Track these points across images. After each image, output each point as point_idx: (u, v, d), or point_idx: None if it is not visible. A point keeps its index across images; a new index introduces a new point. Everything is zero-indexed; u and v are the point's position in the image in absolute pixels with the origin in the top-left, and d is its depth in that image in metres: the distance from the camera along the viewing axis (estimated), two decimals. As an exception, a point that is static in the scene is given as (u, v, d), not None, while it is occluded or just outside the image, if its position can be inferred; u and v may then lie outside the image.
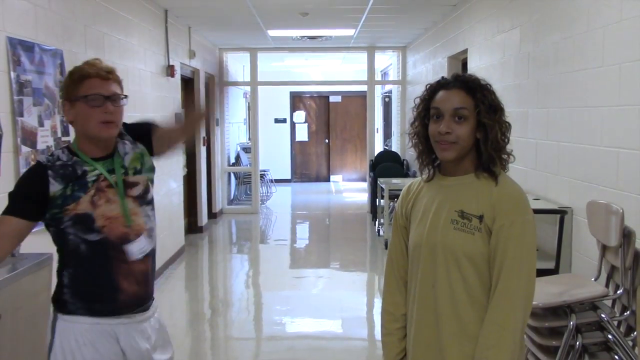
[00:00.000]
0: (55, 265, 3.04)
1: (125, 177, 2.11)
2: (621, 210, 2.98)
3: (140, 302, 2.10)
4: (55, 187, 2.01)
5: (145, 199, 2.15)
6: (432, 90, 1.85)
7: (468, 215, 1.77)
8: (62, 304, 2.06)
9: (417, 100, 1.90)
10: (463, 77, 1.83)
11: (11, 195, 2.05)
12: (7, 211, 2.03)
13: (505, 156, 1.83)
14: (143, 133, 2.24)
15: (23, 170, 3.43)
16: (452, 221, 1.79)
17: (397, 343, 1.96)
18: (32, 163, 3.53)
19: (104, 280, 2.03)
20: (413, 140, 1.92)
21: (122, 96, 2.07)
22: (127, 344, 2.07)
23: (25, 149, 3.47)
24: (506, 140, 1.82)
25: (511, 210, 1.74)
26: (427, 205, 1.87)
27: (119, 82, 2.09)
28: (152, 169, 2.23)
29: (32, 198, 2.02)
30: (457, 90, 1.80)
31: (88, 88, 2.00)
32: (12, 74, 3.39)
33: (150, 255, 2.13)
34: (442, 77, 1.87)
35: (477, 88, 1.79)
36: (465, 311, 1.78)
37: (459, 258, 1.77)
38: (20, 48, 3.49)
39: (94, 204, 2.03)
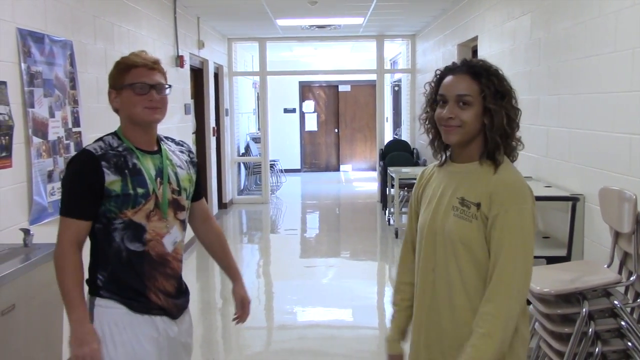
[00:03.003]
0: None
1: (179, 197, 2.15)
2: (634, 197, 2.96)
3: (168, 312, 2.13)
4: (110, 178, 2.00)
5: (185, 224, 2.24)
6: (441, 75, 1.85)
7: (467, 203, 1.76)
8: (96, 289, 2.08)
9: (427, 86, 1.90)
10: (470, 62, 1.82)
11: (65, 193, 2.05)
12: (65, 212, 2.02)
13: (513, 143, 1.80)
14: (197, 192, 2.32)
15: (35, 161, 3.45)
16: (453, 208, 1.79)
17: (402, 313, 2.02)
18: (44, 154, 3.55)
19: (136, 289, 2.06)
20: (425, 126, 1.92)
21: (167, 86, 2.12)
22: (163, 329, 2.11)
23: (36, 140, 3.49)
24: (515, 127, 1.79)
25: (506, 199, 1.71)
26: (435, 191, 1.89)
27: (163, 73, 2.14)
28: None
29: (89, 195, 2.00)
30: (462, 75, 1.79)
31: (134, 77, 2.06)
32: (23, 65, 3.40)
33: (177, 277, 2.20)
34: (452, 63, 1.86)
35: (482, 73, 1.77)
36: (459, 298, 1.78)
37: (456, 245, 1.77)
38: (30, 39, 3.50)
39: (149, 217, 2.06)
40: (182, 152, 2.26)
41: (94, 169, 2.00)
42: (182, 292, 2.20)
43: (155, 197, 2.06)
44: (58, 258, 2.00)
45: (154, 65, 2.10)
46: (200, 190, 2.35)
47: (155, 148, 2.15)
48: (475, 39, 6.48)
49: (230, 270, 2.50)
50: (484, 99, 1.75)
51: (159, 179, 2.08)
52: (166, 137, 2.25)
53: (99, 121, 4.52)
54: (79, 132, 4.03)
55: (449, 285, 1.80)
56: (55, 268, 2.00)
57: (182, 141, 2.33)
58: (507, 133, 1.78)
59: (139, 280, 2.06)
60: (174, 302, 2.14)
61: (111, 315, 2.04)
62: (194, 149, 8.22)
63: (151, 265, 2.07)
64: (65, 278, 1.97)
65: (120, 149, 2.06)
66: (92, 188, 1.99)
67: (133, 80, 2.05)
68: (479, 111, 1.76)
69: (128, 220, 2.02)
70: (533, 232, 1.72)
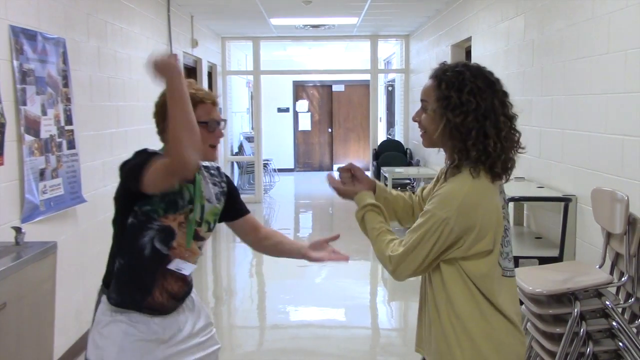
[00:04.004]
0: (60, 253, 3.07)
1: (199, 228, 2.15)
2: (626, 198, 2.98)
3: (164, 311, 2.14)
4: None
5: (201, 250, 2.23)
6: None
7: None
8: (109, 277, 2.10)
9: None
10: (439, 65, 1.82)
11: (147, 154, 1.97)
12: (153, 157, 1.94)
13: (458, 155, 1.74)
14: (235, 211, 2.40)
15: (27, 159, 3.43)
16: None
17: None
18: (36, 152, 3.53)
19: (143, 283, 2.08)
20: None
21: (223, 121, 2.15)
22: (168, 335, 2.14)
23: (28, 138, 3.47)
24: (456, 136, 1.72)
25: (432, 204, 1.72)
26: None
27: None
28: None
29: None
30: (430, 79, 1.81)
31: (205, 113, 2.05)
32: (15, 63, 3.38)
33: (186, 280, 2.20)
34: None
35: (436, 77, 1.78)
36: (430, 296, 1.84)
37: None
38: (22, 36, 3.48)
39: (180, 227, 2.08)
40: (214, 184, 2.25)
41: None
42: (187, 292, 2.22)
43: (186, 215, 2.09)
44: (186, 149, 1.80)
45: (217, 101, 2.12)
46: (241, 208, 2.42)
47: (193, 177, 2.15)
48: (469, 39, 6.49)
49: (298, 250, 2.48)
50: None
51: (189, 206, 2.10)
52: (204, 166, 2.22)
53: (92, 119, 4.51)
54: (72, 130, 4.01)
55: (425, 283, 1.88)
56: (185, 145, 1.78)
57: (218, 169, 2.30)
58: (454, 142, 1.73)
59: (151, 275, 2.08)
60: (175, 303, 2.16)
61: (122, 310, 2.07)
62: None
63: (166, 268, 2.09)
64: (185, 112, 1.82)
65: None
66: None
67: (206, 118, 2.04)
68: (434, 116, 1.76)
69: (167, 225, 2.04)
70: (433, 240, 1.70)
